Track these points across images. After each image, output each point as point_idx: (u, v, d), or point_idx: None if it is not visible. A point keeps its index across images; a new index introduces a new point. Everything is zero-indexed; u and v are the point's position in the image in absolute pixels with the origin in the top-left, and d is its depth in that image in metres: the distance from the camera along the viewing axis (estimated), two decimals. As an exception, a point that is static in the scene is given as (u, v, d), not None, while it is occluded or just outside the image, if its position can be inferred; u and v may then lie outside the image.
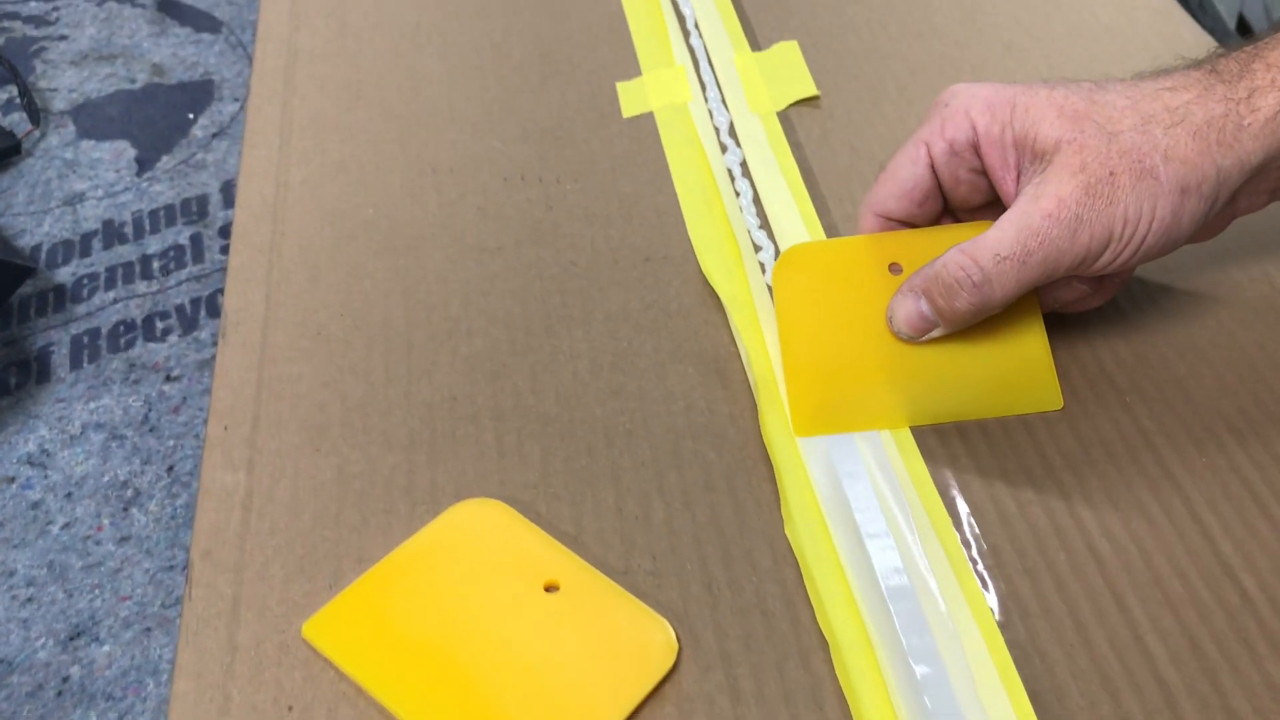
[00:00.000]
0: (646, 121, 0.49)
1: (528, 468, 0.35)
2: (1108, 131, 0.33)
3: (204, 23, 0.67)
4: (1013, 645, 0.31)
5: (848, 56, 0.42)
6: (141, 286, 0.50)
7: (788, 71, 0.52)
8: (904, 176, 0.37)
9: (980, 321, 0.36)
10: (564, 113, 0.49)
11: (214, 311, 0.49)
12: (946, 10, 0.55)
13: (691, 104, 0.49)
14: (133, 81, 0.62)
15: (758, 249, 0.44)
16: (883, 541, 0.33)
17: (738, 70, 0.51)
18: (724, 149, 0.47)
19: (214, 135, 0.58)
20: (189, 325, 0.48)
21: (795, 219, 0.45)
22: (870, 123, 0.49)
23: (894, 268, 0.38)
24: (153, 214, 0.54)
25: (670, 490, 0.35)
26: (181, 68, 0.63)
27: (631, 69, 0.52)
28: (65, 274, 0.50)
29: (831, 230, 0.44)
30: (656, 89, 0.50)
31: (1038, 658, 0.31)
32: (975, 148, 0.36)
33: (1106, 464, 0.36)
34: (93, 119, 0.59)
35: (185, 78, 0.62)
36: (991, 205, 0.37)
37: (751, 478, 0.35)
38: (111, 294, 0.49)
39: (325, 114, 0.48)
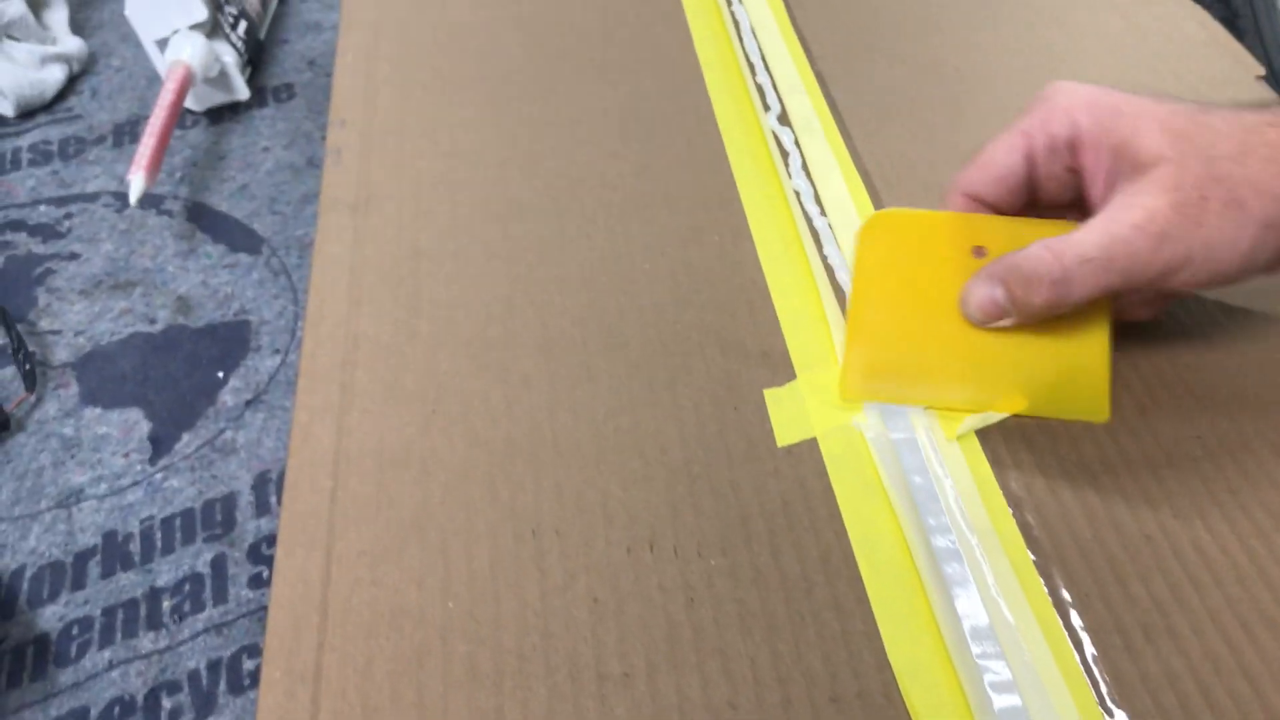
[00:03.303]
0: (809, 451, 0.38)
1: None
2: (1207, 155, 0.35)
3: (241, 239, 0.58)
4: None
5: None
6: (146, 641, 0.40)
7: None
8: (1000, 163, 0.40)
9: (1050, 319, 0.39)
10: (700, 438, 0.39)
11: (236, 684, 0.38)
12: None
13: (866, 428, 0.39)
14: (152, 321, 0.53)
15: (986, 674, 0.33)
16: None
17: (923, 374, 0.40)
18: (918, 508, 0.36)
19: (247, 403, 0.49)
20: (204, 706, 0.38)
21: (1034, 630, 0.34)
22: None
23: (978, 251, 0.41)
24: (166, 524, 0.44)
25: None
26: (212, 302, 0.54)
27: (781, 367, 0.41)
28: (50, 617, 0.41)
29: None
30: (817, 401, 0.40)
31: None
32: (1073, 147, 0.39)
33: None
34: (101, 376, 0.50)
35: (216, 317, 0.53)
36: (1075, 205, 0.41)
37: None
38: (107, 653, 0.40)
39: (389, 441, 0.39)
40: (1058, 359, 0.40)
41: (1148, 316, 0.43)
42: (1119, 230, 0.36)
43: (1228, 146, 0.35)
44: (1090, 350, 0.40)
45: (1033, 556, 0.37)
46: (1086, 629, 0.35)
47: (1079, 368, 0.40)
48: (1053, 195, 0.41)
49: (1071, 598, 0.36)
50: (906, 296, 0.41)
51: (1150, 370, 0.43)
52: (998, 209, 0.42)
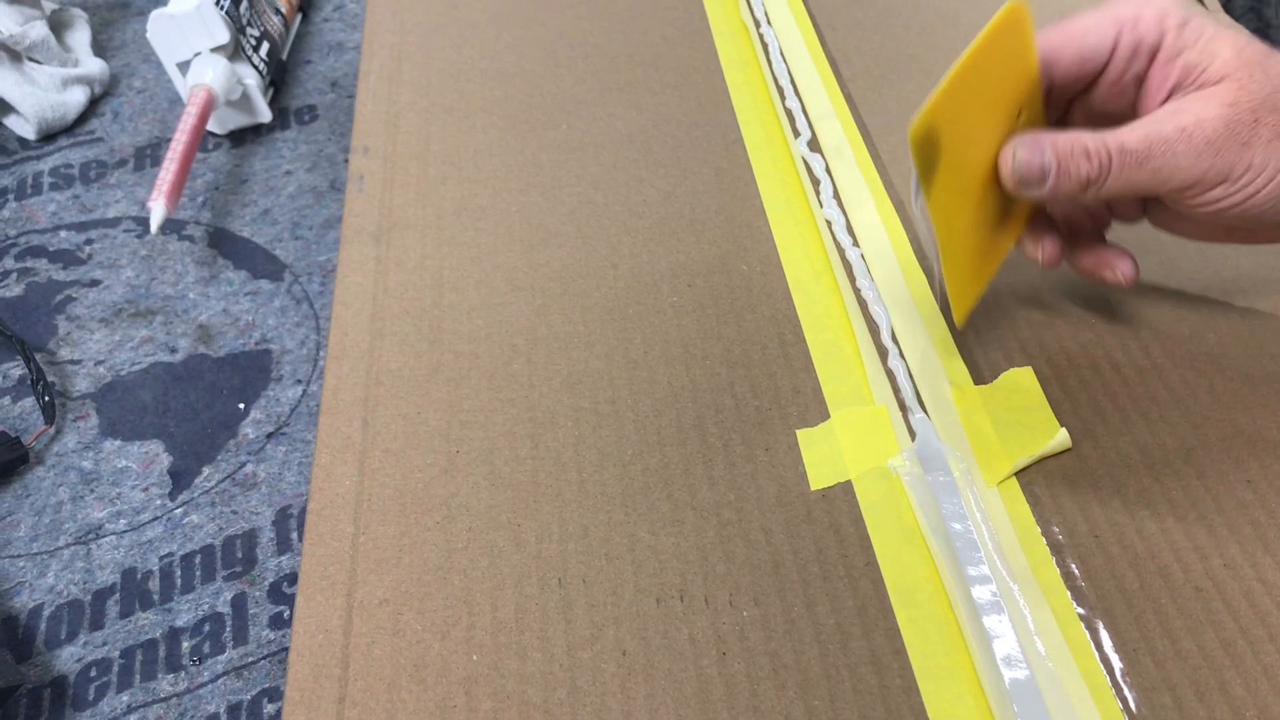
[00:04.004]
0: (844, 495, 0.37)
1: None
2: (1274, 84, 0.35)
3: (263, 265, 0.57)
4: None
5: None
6: (165, 684, 0.39)
7: (1024, 415, 0.40)
8: (1091, 45, 0.38)
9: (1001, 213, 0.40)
10: (730, 480, 0.38)
11: (256, 729, 0.37)
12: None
13: (902, 470, 0.38)
14: (173, 351, 0.53)
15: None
16: None
17: (959, 416, 0.39)
18: (957, 556, 0.35)
19: (269, 435, 0.48)
20: (223, 753, 0.37)
21: (1079, 688, 0.33)
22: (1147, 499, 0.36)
23: (1019, 113, 0.39)
24: (186, 560, 0.43)
25: None
26: (234, 330, 0.54)
27: (814, 404, 0.40)
28: (68, 659, 0.40)
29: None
30: (851, 443, 0.38)
31: None
32: (1152, 57, 0.37)
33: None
34: (121, 407, 0.50)
35: (237, 346, 0.53)
36: (1118, 118, 0.38)
37: None
38: (125, 696, 0.39)
39: (411, 482, 0.38)
40: (969, 242, 0.40)
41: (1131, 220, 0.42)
42: (1163, 130, 0.35)
43: None
44: (985, 261, 0.41)
45: (1078, 609, 0.35)
46: (1134, 686, 0.34)
47: (969, 262, 0.41)
48: (1102, 99, 0.39)
49: (1118, 653, 0.34)
50: (977, 98, 0.38)
51: (1196, 410, 0.41)
52: (1053, 87, 0.39)
